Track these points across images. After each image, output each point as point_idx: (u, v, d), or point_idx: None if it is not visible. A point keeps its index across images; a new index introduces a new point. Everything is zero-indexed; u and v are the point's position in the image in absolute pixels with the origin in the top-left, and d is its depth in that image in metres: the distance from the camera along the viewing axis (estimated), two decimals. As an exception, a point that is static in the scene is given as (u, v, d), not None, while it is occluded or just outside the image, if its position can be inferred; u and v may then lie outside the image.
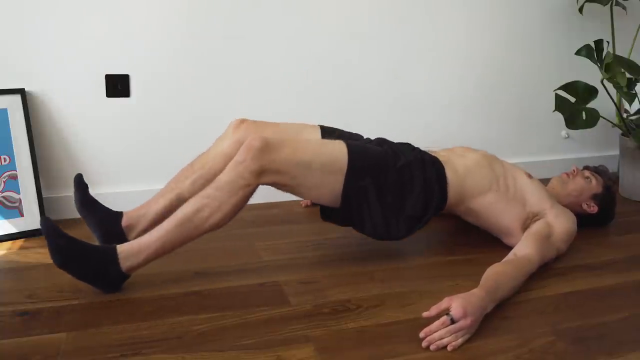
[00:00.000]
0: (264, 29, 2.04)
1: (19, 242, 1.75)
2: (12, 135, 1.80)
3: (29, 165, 1.82)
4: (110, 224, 1.54)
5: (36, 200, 1.83)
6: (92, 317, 1.29)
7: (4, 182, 1.79)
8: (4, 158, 1.79)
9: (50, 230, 1.33)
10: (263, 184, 1.40)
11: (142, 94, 1.97)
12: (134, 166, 2.01)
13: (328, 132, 1.68)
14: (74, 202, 1.60)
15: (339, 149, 1.47)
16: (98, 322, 1.26)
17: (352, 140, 1.63)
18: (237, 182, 1.36)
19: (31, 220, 1.81)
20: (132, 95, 1.96)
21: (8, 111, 1.80)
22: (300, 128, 1.68)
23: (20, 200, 1.81)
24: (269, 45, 2.06)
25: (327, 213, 1.57)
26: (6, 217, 1.78)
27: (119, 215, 1.57)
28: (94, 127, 1.94)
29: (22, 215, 1.80)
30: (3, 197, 1.79)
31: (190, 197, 1.46)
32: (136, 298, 1.38)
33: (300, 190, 1.47)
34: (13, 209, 1.80)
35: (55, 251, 1.32)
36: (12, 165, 1.80)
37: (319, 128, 1.69)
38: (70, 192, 1.95)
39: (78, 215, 1.93)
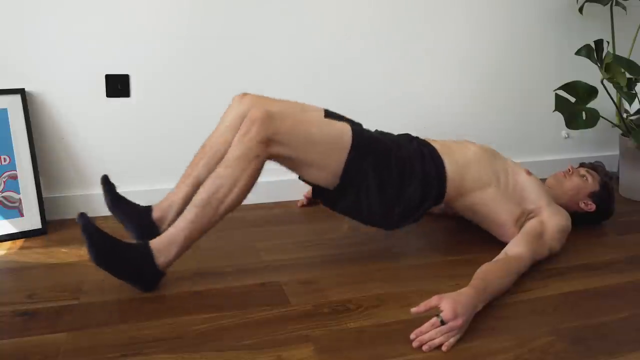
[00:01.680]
0: (264, 29, 2.04)
1: (19, 242, 1.75)
2: (12, 135, 1.80)
3: (29, 165, 1.82)
4: (141, 219, 1.57)
5: (36, 200, 1.83)
6: (92, 317, 1.29)
7: (4, 182, 1.79)
8: (4, 158, 1.79)
9: (90, 228, 1.31)
10: (270, 156, 1.40)
11: (142, 94, 1.97)
12: (134, 166, 2.01)
13: (331, 115, 1.67)
14: (104, 201, 1.62)
15: (343, 127, 1.48)
16: (98, 322, 1.26)
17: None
18: (245, 155, 1.36)
19: (31, 220, 1.81)
20: (132, 95, 1.96)
21: (8, 111, 1.80)
22: (304, 106, 1.67)
23: (20, 200, 1.81)
24: (269, 46, 2.06)
25: (320, 193, 1.55)
26: (6, 217, 1.78)
27: (148, 209, 1.59)
28: (94, 127, 1.94)
29: (22, 215, 1.80)
30: (3, 197, 1.79)
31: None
32: (136, 298, 1.38)
33: (302, 166, 1.46)
34: (13, 209, 1.80)
35: (94, 250, 1.31)
36: (12, 165, 1.80)
37: (323, 111, 1.68)
38: (70, 192, 1.95)
39: (78, 215, 1.95)
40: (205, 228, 1.39)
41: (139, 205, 1.61)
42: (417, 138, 1.67)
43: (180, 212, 1.50)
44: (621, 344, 1.23)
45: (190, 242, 1.38)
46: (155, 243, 1.36)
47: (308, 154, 1.43)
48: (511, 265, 1.46)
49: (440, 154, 1.61)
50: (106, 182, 1.62)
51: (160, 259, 1.35)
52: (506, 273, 1.43)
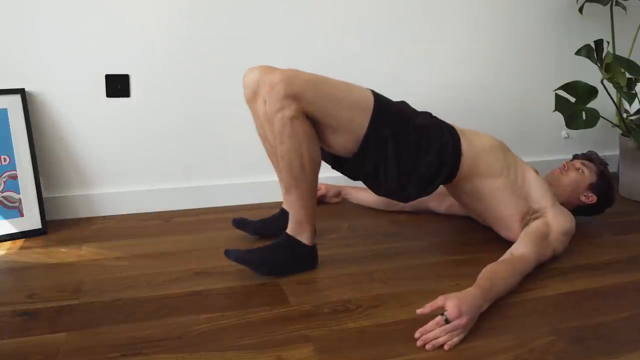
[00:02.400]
0: (264, 30, 2.04)
1: (19, 242, 1.75)
2: (12, 135, 1.80)
3: (29, 165, 1.82)
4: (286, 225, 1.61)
5: (36, 200, 1.83)
6: (92, 317, 1.29)
7: (4, 182, 1.79)
8: (4, 158, 1.79)
9: (245, 257, 1.48)
10: (304, 112, 1.38)
11: (142, 94, 1.97)
12: (134, 166, 2.01)
13: None
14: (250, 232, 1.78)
15: (365, 91, 1.50)
16: (98, 322, 1.26)
17: None
18: (283, 124, 1.37)
19: (31, 220, 1.81)
20: (132, 95, 1.96)
21: (8, 111, 1.80)
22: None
23: (20, 200, 1.81)
24: (269, 46, 2.06)
25: (339, 163, 1.57)
26: (6, 217, 1.78)
27: (284, 214, 1.66)
28: (94, 127, 1.94)
29: (22, 215, 1.80)
30: (3, 197, 1.79)
31: None
32: (136, 298, 1.38)
33: (327, 130, 1.45)
34: (13, 209, 1.80)
35: (257, 267, 1.49)
36: (12, 165, 1.80)
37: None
38: (69, 192, 1.95)
39: (78, 216, 1.96)
40: (310, 192, 1.47)
41: (274, 217, 1.75)
42: (436, 117, 1.66)
43: None
44: (621, 344, 1.23)
45: (311, 210, 1.49)
46: (290, 229, 1.51)
47: (331, 113, 1.42)
48: (516, 266, 1.46)
49: (458, 133, 1.62)
50: (240, 225, 1.77)
51: (303, 238, 1.50)
52: (511, 274, 1.43)
